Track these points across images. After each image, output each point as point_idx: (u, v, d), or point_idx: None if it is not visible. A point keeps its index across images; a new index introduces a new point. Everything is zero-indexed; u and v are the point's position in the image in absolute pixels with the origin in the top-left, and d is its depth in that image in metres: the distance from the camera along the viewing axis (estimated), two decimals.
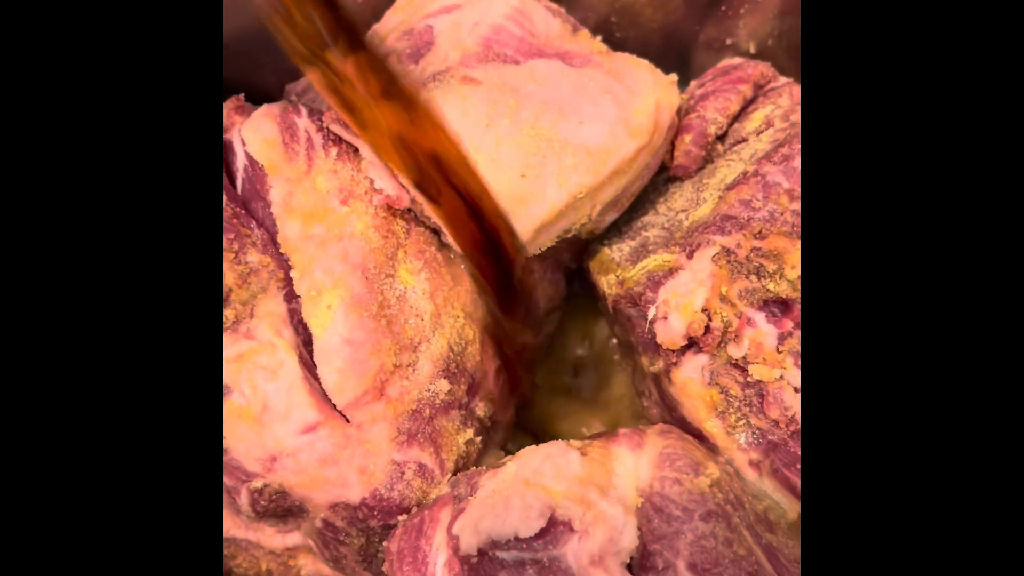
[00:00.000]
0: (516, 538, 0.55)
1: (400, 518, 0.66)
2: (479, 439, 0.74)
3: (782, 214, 0.61)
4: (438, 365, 0.71)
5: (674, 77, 0.80)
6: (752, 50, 0.95)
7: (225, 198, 0.73)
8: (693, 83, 0.89)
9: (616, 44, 0.99)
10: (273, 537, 0.72)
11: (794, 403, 0.61)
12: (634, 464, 0.59)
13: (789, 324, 0.62)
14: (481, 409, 0.75)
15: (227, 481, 0.66)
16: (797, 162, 0.61)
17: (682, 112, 0.83)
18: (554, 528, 0.55)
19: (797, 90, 0.79)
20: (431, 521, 0.61)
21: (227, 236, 0.71)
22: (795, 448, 0.61)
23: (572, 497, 0.55)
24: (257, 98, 0.84)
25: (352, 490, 0.66)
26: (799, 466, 0.62)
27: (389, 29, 0.85)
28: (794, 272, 0.61)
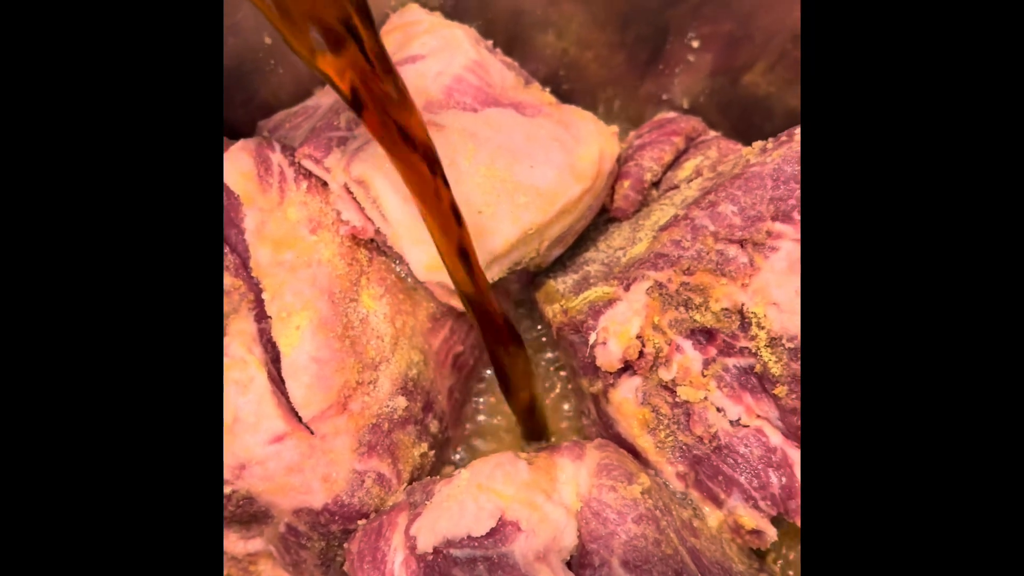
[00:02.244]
0: (469, 537, 0.59)
1: (360, 523, 0.69)
2: (432, 452, 0.77)
3: (708, 253, 0.67)
4: (397, 383, 0.75)
5: (615, 128, 0.86)
6: (686, 105, 1.02)
7: None
8: (632, 134, 0.95)
9: (564, 95, 1.05)
10: (236, 543, 0.74)
11: (716, 421, 0.67)
12: (575, 473, 0.64)
13: (713, 351, 0.68)
14: (434, 425, 0.79)
15: None
16: (722, 207, 0.67)
17: (622, 160, 0.88)
18: (503, 528, 0.59)
19: (724, 143, 0.85)
20: (389, 525, 0.64)
21: None
22: (716, 462, 0.67)
23: (520, 500, 0.59)
24: (228, 133, 0.87)
25: (315, 496, 0.68)
26: (720, 478, 0.67)
27: None
28: (717, 305, 0.66)
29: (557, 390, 0.93)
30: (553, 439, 0.91)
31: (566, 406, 0.92)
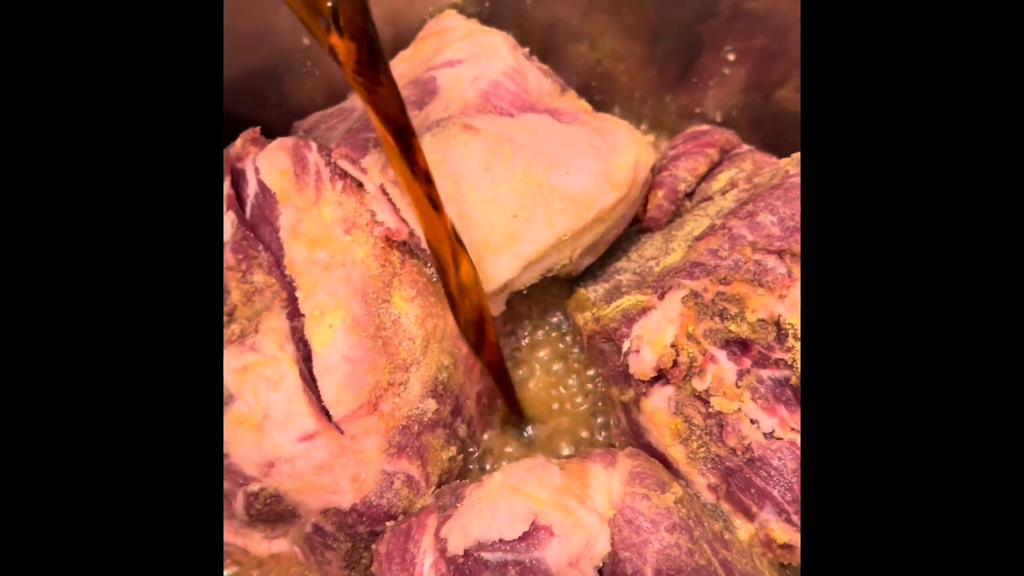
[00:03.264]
0: (501, 540, 0.58)
1: (388, 524, 0.69)
2: (460, 457, 0.77)
3: (745, 263, 0.67)
4: (427, 386, 0.74)
5: (651, 138, 0.86)
6: (718, 119, 1.02)
7: (235, 220, 0.75)
8: (665, 145, 0.95)
9: (596, 106, 1.05)
10: (260, 543, 0.73)
11: (750, 433, 0.66)
12: (607, 480, 0.63)
13: (747, 362, 0.67)
14: (463, 430, 0.78)
15: (225, 484, 0.67)
16: (761, 218, 0.66)
17: (655, 170, 0.88)
18: (536, 532, 0.58)
19: (759, 156, 0.85)
20: (419, 526, 0.64)
21: (235, 256, 0.73)
22: (749, 474, 0.66)
23: (554, 504, 0.59)
24: (263, 133, 0.86)
25: (344, 496, 0.68)
26: (753, 490, 0.66)
27: (395, 78, 0.90)
28: (753, 316, 0.66)
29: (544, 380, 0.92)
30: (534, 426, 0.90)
31: (555, 406, 0.91)
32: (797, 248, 0.65)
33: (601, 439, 0.87)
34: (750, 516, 0.66)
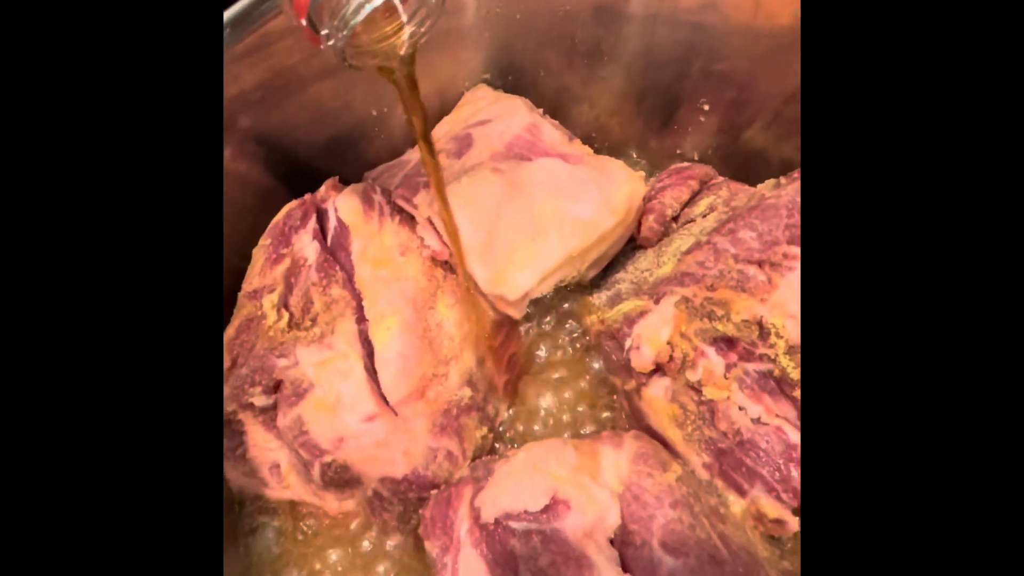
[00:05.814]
0: (525, 511, 0.47)
1: (432, 492, 0.59)
2: (491, 435, 0.66)
3: (729, 272, 0.55)
4: (463, 377, 0.64)
5: (642, 173, 0.75)
6: (696, 157, 0.90)
7: (319, 247, 0.68)
8: (652, 179, 0.84)
9: (596, 151, 0.94)
10: (333, 503, 0.64)
11: (739, 418, 0.54)
12: (615, 459, 0.52)
13: (734, 357, 0.55)
14: (492, 413, 0.68)
15: (305, 455, 0.59)
16: (742, 234, 0.55)
17: (646, 199, 0.77)
18: (555, 505, 0.47)
19: (733, 185, 0.73)
20: (457, 496, 0.53)
21: (319, 274, 0.66)
22: (740, 455, 0.54)
23: (570, 481, 0.48)
24: (342, 181, 0.79)
25: (398, 467, 0.58)
26: (744, 469, 0.54)
27: (439, 135, 0.82)
28: (738, 317, 0.54)
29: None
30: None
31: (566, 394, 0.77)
32: (776, 259, 0.53)
33: (603, 419, 0.75)
34: (742, 492, 0.54)
